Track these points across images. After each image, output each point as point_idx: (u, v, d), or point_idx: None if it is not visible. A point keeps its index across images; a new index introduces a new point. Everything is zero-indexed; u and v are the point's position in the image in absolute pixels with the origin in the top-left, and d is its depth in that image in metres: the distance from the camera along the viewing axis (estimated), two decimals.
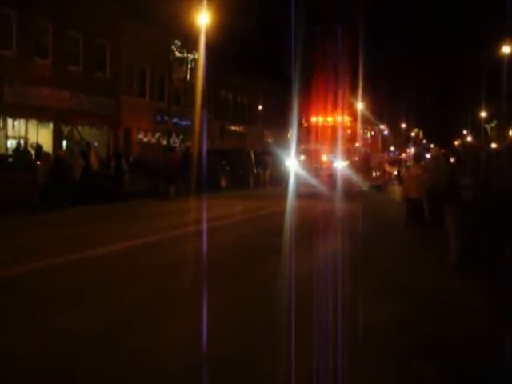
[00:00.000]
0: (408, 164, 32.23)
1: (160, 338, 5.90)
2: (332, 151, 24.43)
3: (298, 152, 25.12)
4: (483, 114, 66.46)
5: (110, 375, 4.99)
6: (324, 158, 24.62)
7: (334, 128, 25.26)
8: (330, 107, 26.66)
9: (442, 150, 16.90)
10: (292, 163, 24.63)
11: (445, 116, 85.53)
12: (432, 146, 42.33)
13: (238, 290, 8.00)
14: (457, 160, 12.61)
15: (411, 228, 13.47)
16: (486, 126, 67.32)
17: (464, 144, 55.95)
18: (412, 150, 61.64)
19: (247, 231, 14.24)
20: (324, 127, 25.63)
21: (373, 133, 31.67)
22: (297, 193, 22.59)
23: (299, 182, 23.44)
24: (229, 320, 6.49)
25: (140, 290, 7.87)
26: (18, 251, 10.50)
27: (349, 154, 25.13)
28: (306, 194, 22.86)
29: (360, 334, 5.91)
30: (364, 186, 25.42)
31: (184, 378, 4.92)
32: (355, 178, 24.26)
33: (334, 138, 24.80)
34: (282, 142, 37.55)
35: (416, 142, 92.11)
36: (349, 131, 26.32)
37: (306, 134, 26.24)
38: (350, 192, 22.89)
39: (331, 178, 23.45)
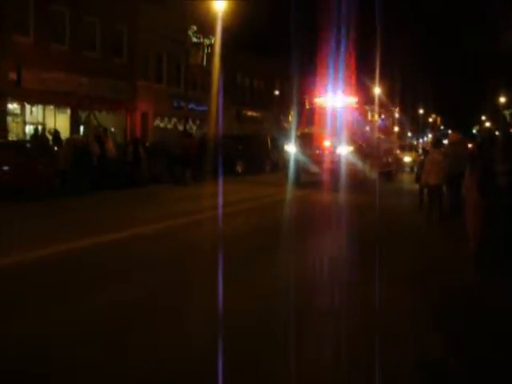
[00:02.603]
0: (425, 149, 29.49)
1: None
2: (336, 135, 22.00)
3: (299, 136, 22.93)
4: (502, 100, 65.64)
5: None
6: (326, 142, 22.15)
7: (339, 110, 22.78)
8: (335, 87, 23.97)
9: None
10: (292, 149, 22.77)
11: (463, 102, 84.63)
12: (450, 131, 40.86)
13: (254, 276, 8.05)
14: (478, 146, 12.47)
15: (429, 214, 13.40)
16: (505, 112, 66.47)
17: (486, 130, 55.34)
18: (430, 136, 61.18)
19: (255, 219, 14.21)
20: (328, 109, 22.90)
21: (383, 116, 29.16)
22: (297, 181, 21.66)
23: (300, 169, 22.08)
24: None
25: (156, 274, 7.98)
26: (40, 236, 10.55)
27: (355, 138, 22.89)
28: (308, 183, 21.78)
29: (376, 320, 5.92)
30: (371, 173, 23.62)
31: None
32: (361, 164, 22.40)
33: (338, 121, 22.38)
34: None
35: (434, 127, 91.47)
36: (356, 114, 23.84)
37: (309, 117, 23.36)
38: (355, 180, 21.27)
39: (334, 164, 21.40)
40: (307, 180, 22.17)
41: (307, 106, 23.98)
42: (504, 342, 5.58)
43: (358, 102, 24.00)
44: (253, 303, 6.62)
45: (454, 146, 14.34)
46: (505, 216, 8.79)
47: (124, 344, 5.35)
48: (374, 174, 24.02)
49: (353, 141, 22.41)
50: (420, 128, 73.61)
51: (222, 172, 22.57)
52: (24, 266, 8.27)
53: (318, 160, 21.86)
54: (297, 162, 21.92)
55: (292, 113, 24.47)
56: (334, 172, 20.96)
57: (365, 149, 23.43)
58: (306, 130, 23.00)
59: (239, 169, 28.48)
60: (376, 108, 27.94)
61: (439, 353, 5.25)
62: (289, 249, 9.49)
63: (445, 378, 4.80)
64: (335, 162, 21.34)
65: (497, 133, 37.47)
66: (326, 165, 21.51)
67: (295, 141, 22.82)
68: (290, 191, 19.70)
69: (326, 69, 27.99)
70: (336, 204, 16.99)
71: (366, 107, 25.95)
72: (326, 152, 21.93)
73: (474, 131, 74.50)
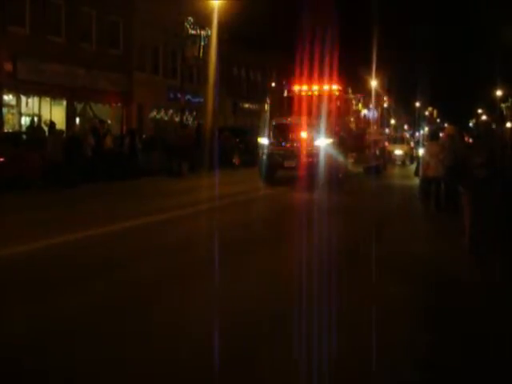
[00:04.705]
0: (423, 143, 27.77)
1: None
2: (315, 126, 19.70)
3: (274, 127, 20.42)
4: (499, 93, 65.72)
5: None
6: (304, 134, 19.86)
7: (318, 99, 20.52)
8: (315, 74, 22.13)
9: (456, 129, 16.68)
10: (265, 141, 20.44)
11: (459, 95, 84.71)
12: (446, 124, 40.21)
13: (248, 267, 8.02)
14: (474, 140, 12.50)
15: (426, 207, 13.41)
16: (502, 105, 66.57)
17: (480, 122, 55.52)
18: (426, 129, 61.12)
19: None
20: (307, 97, 20.63)
21: (371, 106, 26.57)
22: (271, 177, 19.86)
23: (275, 164, 19.87)
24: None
25: (156, 264, 7.94)
26: (34, 228, 10.49)
27: (336, 129, 20.57)
28: (283, 179, 19.95)
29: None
30: (355, 168, 22.02)
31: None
32: (343, 158, 20.41)
33: (318, 111, 20.17)
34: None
35: (430, 120, 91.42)
36: (338, 102, 21.26)
37: (286, 106, 20.91)
38: (336, 176, 19.21)
39: (312, 158, 19.21)
40: (282, 176, 20.30)
41: (284, 94, 21.65)
42: (497, 338, 5.57)
43: (340, 90, 21.75)
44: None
45: (450, 139, 14.31)
46: (487, 207, 8.79)
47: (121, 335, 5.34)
48: (358, 169, 22.45)
49: (334, 132, 20.31)
50: (416, 121, 73.53)
51: (217, 165, 22.42)
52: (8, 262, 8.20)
53: (294, 153, 19.75)
54: (271, 155, 19.86)
55: (268, 101, 22.09)
56: (312, 167, 19.01)
57: (348, 141, 21.43)
58: (282, 120, 20.64)
59: (236, 161, 28.46)
60: (362, 97, 25.51)
61: (434, 349, 5.24)
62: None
63: (440, 376, 4.78)
64: (313, 156, 19.30)
65: (493, 126, 37.33)
66: (303, 159, 19.48)
67: (270, 132, 20.52)
68: (261, 189, 18.58)
69: (306, 54, 26.67)
70: (306, 206, 15.08)
71: (351, 96, 23.73)
72: (304, 144, 19.81)
73: (471, 124, 74.56)
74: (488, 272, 7.81)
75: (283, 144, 20.17)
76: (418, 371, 4.69)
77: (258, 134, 23.34)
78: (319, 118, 19.90)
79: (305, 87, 21.36)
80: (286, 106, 21.03)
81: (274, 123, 20.56)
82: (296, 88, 21.40)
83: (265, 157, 19.97)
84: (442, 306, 6.39)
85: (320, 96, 20.65)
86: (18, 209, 13.17)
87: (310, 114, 20.16)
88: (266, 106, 21.96)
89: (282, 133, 20.32)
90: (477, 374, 4.72)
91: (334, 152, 19.72)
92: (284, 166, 20.03)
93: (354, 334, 5.38)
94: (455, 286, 7.19)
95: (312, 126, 19.78)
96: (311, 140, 19.71)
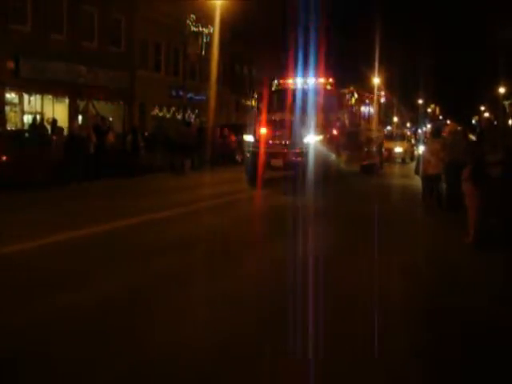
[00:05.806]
0: (424, 140, 24.62)
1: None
2: (304, 122, 18.13)
3: (261, 124, 18.68)
4: (501, 90, 65.55)
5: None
6: (292, 131, 18.23)
7: (308, 93, 19.04)
8: (306, 67, 21.09)
9: (459, 126, 16.64)
10: (251, 139, 18.97)
11: (462, 92, 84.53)
12: (448, 121, 39.82)
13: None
14: (478, 136, 12.46)
15: (427, 204, 13.40)
16: (505, 102, 66.39)
17: (486, 119, 55.40)
18: (429, 126, 61.03)
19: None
20: (295, 92, 19.23)
21: (367, 101, 24.71)
22: (256, 178, 18.05)
23: (261, 163, 18.02)
24: None
25: (152, 265, 7.96)
26: (32, 227, 10.42)
27: (327, 125, 19.09)
28: (269, 180, 18.49)
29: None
30: (349, 167, 20.61)
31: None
32: (335, 156, 18.93)
33: (307, 106, 18.61)
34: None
35: (433, 117, 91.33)
36: (330, 97, 19.70)
37: (274, 101, 19.56)
38: (327, 175, 17.49)
39: (300, 156, 17.78)
40: (270, 176, 18.81)
41: (272, 88, 20.30)
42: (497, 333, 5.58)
43: (332, 84, 20.18)
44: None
45: (452, 136, 14.29)
46: (500, 205, 8.80)
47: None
48: (352, 168, 21.42)
49: (325, 128, 18.84)
50: (419, 118, 73.42)
51: (221, 161, 22.41)
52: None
53: (281, 152, 18.22)
54: (257, 154, 18.18)
55: (255, 96, 20.78)
56: (301, 166, 17.51)
57: (340, 138, 19.87)
58: (270, 117, 18.88)
59: (238, 158, 28.46)
60: (356, 92, 23.06)
61: (434, 343, 5.24)
62: None
63: (439, 370, 4.78)
64: (302, 154, 17.82)
65: (495, 123, 37.21)
66: (291, 157, 18.02)
67: (256, 129, 18.87)
68: (255, 189, 17.64)
69: (297, 47, 25.56)
70: (294, 208, 13.53)
71: (344, 90, 21.92)
72: (292, 142, 18.19)
73: (474, 121, 74.41)
74: (492, 271, 7.82)
75: (270, 142, 18.43)
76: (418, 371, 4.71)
77: (244, 131, 21.68)
78: (309, 114, 18.45)
79: (294, 81, 20.16)
80: (273, 101, 19.67)
81: (260, 119, 19.01)
82: (285, 82, 20.26)
83: (250, 155, 18.66)
84: (445, 305, 6.38)
85: (310, 90, 19.26)
86: (20, 207, 13.15)
87: (298, 109, 18.71)
88: (254, 102, 20.88)
89: (268, 130, 18.55)
90: (478, 372, 4.74)
91: (324, 150, 18.30)
92: (271, 166, 18.46)
93: (355, 334, 5.41)
94: (459, 285, 7.19)
95: (301, 123, 18.24)
96: (300, 137, 18.12)
